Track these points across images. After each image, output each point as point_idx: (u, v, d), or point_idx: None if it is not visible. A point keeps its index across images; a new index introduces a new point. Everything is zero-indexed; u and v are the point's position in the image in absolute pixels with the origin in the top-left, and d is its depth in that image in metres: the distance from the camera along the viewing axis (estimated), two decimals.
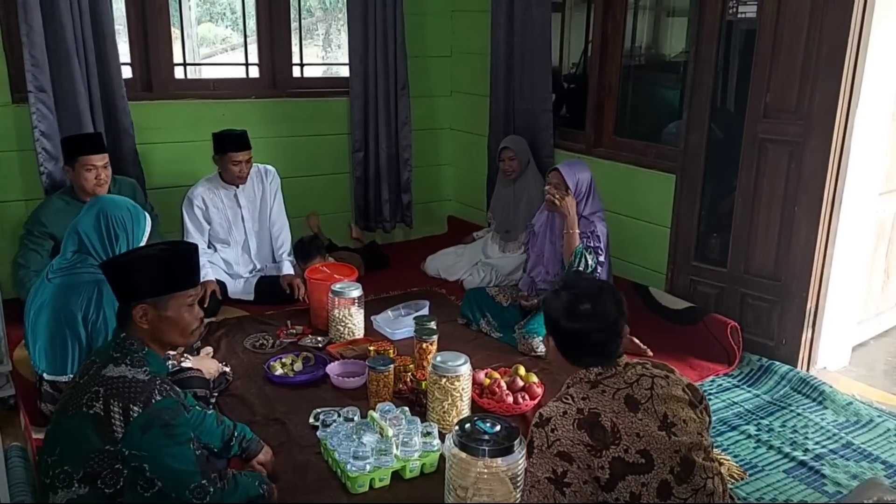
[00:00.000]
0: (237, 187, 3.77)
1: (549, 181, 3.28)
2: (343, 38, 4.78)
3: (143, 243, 2.46)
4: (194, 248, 1.91)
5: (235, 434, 2.19)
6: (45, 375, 2.45)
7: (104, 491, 1.70)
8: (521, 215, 4.04)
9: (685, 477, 1.66)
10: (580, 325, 1.78)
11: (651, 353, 3.25)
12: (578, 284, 1.87)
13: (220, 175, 3.75)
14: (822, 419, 2.83)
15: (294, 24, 4.46)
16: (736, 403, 2.96)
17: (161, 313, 1.81)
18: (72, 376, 2.35)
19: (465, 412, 2.61)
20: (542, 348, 3.22)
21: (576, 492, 1.64)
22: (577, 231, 3.20)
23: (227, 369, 2.98)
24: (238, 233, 3.83)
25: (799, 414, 2.87)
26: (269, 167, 3.87)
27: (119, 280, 1.84)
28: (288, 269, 3.85)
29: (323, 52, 5.55)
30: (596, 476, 1.64)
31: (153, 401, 1.71)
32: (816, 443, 2.67)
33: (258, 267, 3.92)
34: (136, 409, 1.69)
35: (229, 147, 3.64)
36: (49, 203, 3.37)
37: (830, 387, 3.00)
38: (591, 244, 3.21)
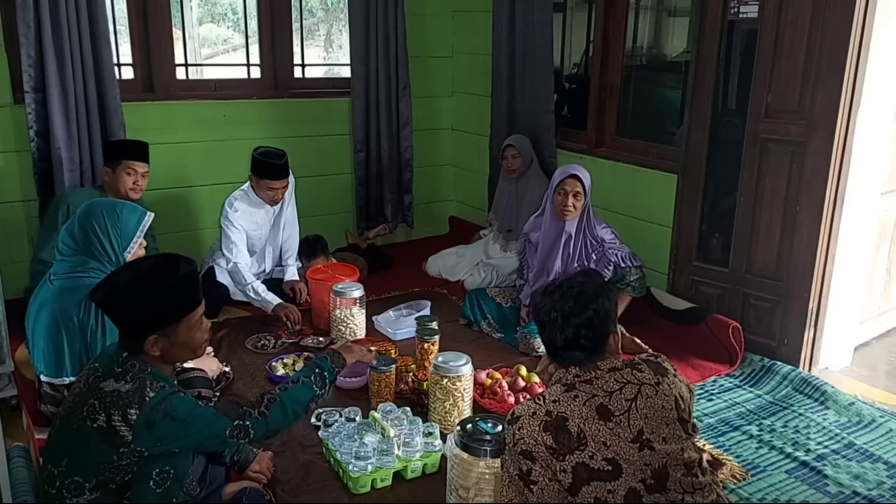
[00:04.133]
0: (271, 206, 3.72)
1: (565, 188, 3.17)
2: (344, 39, 4.78)
3: (136, 238, 2.43)
4: (194, 267, 1.84)
5: None
6: (42, 377, 2.45)
7: (112, 488, 1.70)
8: (524, 214, 4.03)
9: (657, 488, 1.62)
10: (539, 317, 1.78)
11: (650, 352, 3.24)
12: (570, 281, 1.81)
13: (253, 188, 3.66)
14: (824, 419, 2.83)
15: (295, 25, 4.46)
16: (738, 404, 2.96)
17: (172, 339, 1.78)
18: (68, 380, 2.36)
19: (467, 412, 2.61)
20: (543, 348, 3.21)
21: (542, 489, 1.65)
22: None
23: (228, 368, 2.98)
24: (259, 244, 3.82)
25: (801, 414, 2.87)
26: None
27: (122, 316, 1.78)
28: (292, 274, 3.83)
29: (324, 52, 5.55)
30: (558, 479, 1.63)
31: (147, 398, 1.70)
32: (818, 443, 2.67)
33: (266, 270, 3.91)
34: (133, 411, 1.68)
35: (267, 174, 3.55)
36: (77, 193, 3.37)
37: (832, 387, 3.00)
38: (629, 263, 3.26)
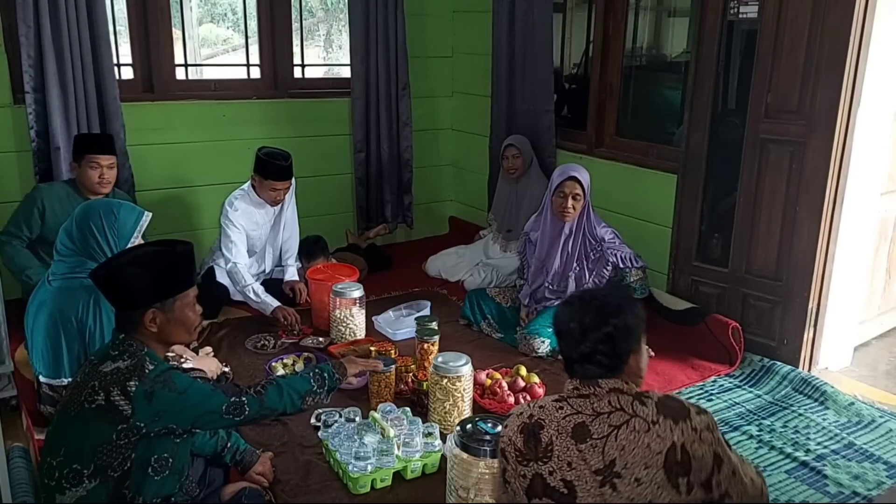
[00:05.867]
0: (272, 206, 3.73)
1: (564, 191, 3.19)
2: (344, 39, 4.78)
3: (134, 238, 2.43)
4: (190, 247, 1.90)
5: (228, 445, 2.18)
6: (41, 378, 2.45)
7: (112, 476, 1.70)
8: (524, 215, 4.03)
9: None
10: (557, 326, 1.69)
11: (653, 353, 3.25)
12: (593, 292, 1.75)
13: (254, 188, 3.65)
14: (824, 419, 2.83)
15: (295, 25, 4.46)
16: (738, 404, 2.96)
17: (168, 315, 1.82)
18: (67, 380, 2.37)
19: (467, 413, 2.61)
20: (542, 349, 3.22)
21: (514, 492, 1.62)
22: None
23: (227, 369, 2.98)
24: (259, 244, 3.83)
25: (800, 414, 2.87)
26: None
27: (120, 288, 1.82)
28: (292, 274, 3.83)
29: (324, 52, 5.55)
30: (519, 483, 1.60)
31: (146, 370, 1.73)
32: (818, 443, 2.67)
33: (266, 270, 3.91)
34: (132, 383, 1.70)
35: (271, 175, 3.55)
36: (52, 188, 3.39)
37: (832, 387, 3.00)
38: (629, 264, 3.26)
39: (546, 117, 4.17)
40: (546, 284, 3.38)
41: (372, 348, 3.06)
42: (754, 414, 2.88)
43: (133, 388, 1.69)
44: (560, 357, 1.75)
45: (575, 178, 3.18)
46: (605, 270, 3.29)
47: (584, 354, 1.62)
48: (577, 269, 3.31)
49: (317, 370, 2.09)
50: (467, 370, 2.58)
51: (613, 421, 1.54)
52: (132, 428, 1.69)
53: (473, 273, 4.17)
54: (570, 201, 3.18)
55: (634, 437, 1.51)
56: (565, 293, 3.34)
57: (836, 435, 2.72)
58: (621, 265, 3.26)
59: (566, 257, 3.32)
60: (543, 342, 3.21)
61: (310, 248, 4.05)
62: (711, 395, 3.04)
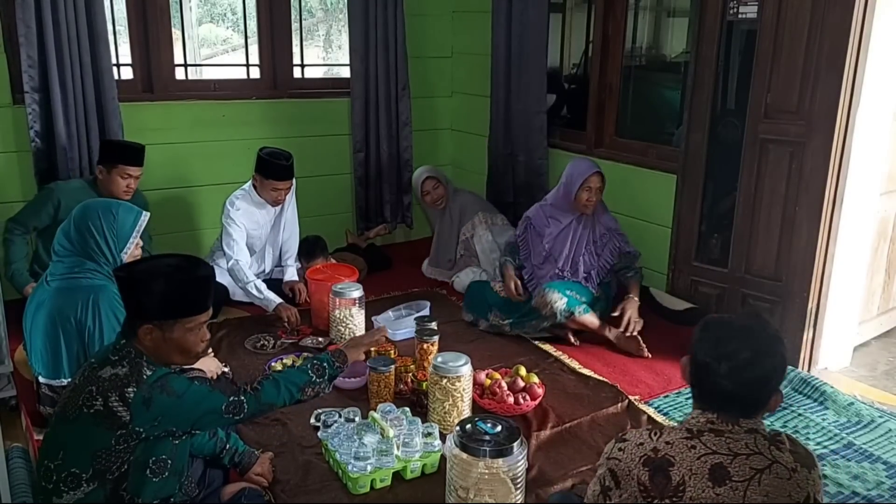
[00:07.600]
0: (273, 206, 3.74)
1: (591, 185, 3.31)
2: (344, 39, 4.78)
3: (132, 238, 2.43)
4: (210, 272, 1.84)
5: (227, 447, 2.17)
6: (40, 378, 2.45)
7: (110, 479, 1.70)
8: (456, 238, 4.12)
9: None
10: (701, 357, 1.55)
11: (649, 355, 3.24)
12: (741, 326, 1.57)
13: (255, 188, 3.67)
14: (824, 419, 2.83)
15: (295, 25, 4.46)
16: None
17: (165, 335, 1.77)
18: (66, 381, 2.36)
19: (466, 413, 2.61)
20: (560, 304, 3.22)
21: None
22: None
23: (227, 369, 2.98)
24: (259, 243, 3.83)
25: (800, 414, 2.87)
26: None
27: (129, 295, 1.80)
28: (292, 275, 3.84)
29: (324, 52, 5.55)
30: None
31: (144, 376, 1.72)
32: (818, 443, 2.67)
33: (266, 271, 3.92)
34: (130, 389, 1.69)
35: (273, 175, 3.57)
36: (69, 185, 3.44)
37: (832, 387, 3.00)
38: (632, 249, 3.45)
39: (538, 118, 4.18)
40: (556, 272, 3.43)
41: (371, 348, 3.06)
42: None
43: (131, 395, 1.68)
44: (691, 386, 1.61)
45: (599, 174, 3.35)
46: (609, 256, 3.42)
47: (730, 393, 1.52)
48: (586, 255, 3.41)
49: (315, 361, 2.07)
50: (467, 370, 2.57)
51: (754, 464, 1.47)
52: (131, 433, 1.68)
53: (460, 275, 4.14)
54: (595, 195, 3.34)
55: (779, 485, 1.45)
56: (576, 277, 3.43)
57: (835, 435, 2.72)
58: (627, 249, 3.44)
59: (576, 244, 3.41)
60: (561, 298, 3.23)
61: (309, 248, 4.05)
62: None
